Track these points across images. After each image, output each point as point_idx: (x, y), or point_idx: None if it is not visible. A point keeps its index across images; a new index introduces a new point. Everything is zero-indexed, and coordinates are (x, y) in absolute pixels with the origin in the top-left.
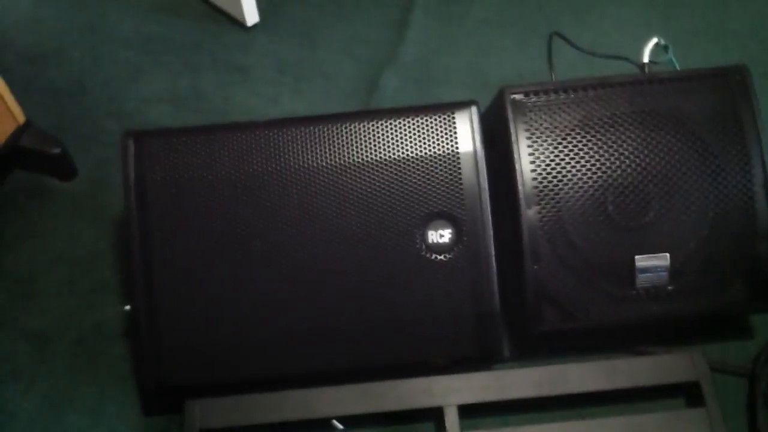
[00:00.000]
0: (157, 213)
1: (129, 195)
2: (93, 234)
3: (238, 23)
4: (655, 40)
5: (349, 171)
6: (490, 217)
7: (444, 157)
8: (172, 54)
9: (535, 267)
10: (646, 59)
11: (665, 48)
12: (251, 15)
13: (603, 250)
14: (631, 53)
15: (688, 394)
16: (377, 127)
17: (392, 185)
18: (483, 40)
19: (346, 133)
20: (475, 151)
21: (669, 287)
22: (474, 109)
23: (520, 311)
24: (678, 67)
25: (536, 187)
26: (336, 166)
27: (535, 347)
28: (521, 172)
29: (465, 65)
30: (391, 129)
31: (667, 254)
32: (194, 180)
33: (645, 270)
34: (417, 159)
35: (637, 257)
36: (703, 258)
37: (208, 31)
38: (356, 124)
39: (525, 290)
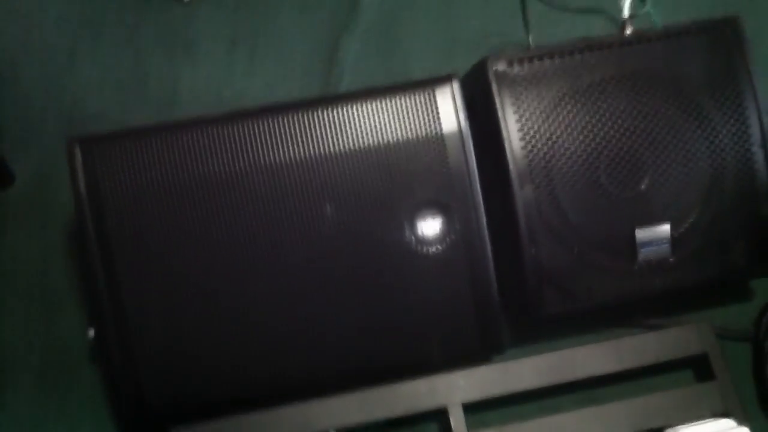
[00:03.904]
0: (116, 225)
1: (82, 208)
2: (40, 245)
3: None
4: None
5: (324, 163)
6: (481, 202)
7: (427, 140)
8: (108, 37)
9: (533, 250)
10: (626, 13)
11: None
12: None
13: (600, 225)
14: (606, 4)
15: (697, 365)
16: (351, 113)
17: (374, 175)
18: None
19: (317, 121)
20: (460, 131)
21: (671, 259)
22: (455, 84)
23: (519, 296)
24: (656, 20)
25: (528, 165)
26: (309, 159)
27: (536, 331)
28: (511, 150)
29: (427, 26)
30: (366, 113)
31: (668, 225)
32: (154, 186)
33: (646, 243)
34: (397, 144)
35: (637, 230)
36: (703, 225)
37: (146, 8)
38: (327, 110)
39: (524, 275)
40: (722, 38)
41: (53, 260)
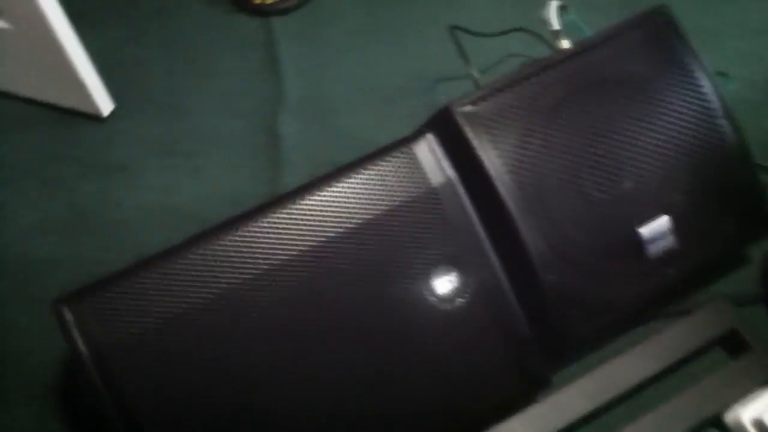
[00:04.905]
0: (127, 377)
1: (88, 370)
2: (31, 418)
3: (93, 117)
4: (555, 3)
5: (325, 252)
6: (488, 243)
7: (419, 199)
8: (31, 176)
9: (550, 277)
10: (556, 26)
11: (562, 8)
12: (104, 103)
13: (601, 234)
14: (525, 21)
15: (725, 342)
16: (337, 194)
17: (377, 249)
18: (363, 50)
19: (306, 211)
20: (449, 181)
21: (676, 247)
22: (430, 137)
23: (544, 326)
24: (582, 26)
25: (523, 196)
26: (309, 252)
27: (563, 353)
28: (503, 185)
29: (356, 83)
30: (353, 190)
31: (665, 216)
32: (159, 326)
33: (652, 239)
34: (392, 212)
35: (640, 230)
36: (695, 206)
37: (63, 137)
38: (312, 198)
39: (547, 304)
40: (658, 27)
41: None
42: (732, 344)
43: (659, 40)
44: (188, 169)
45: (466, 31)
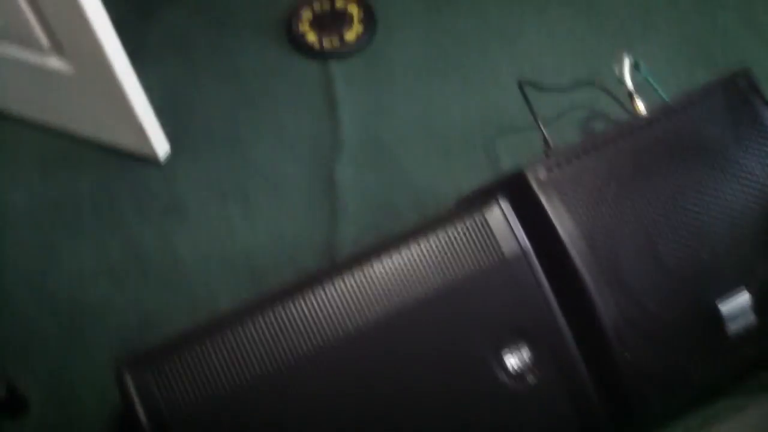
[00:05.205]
0: None
1: None
2: None
3: (150, 160)
4: (627, 60)
5: (391, 324)
6: (561, 316)
7: (491, 269)
8: (87, 216)
9: (627, 355)
10: (630, 85)
11: (636, 65)
12: (161, 145)
13: (679, 307)
14: (593, 73)
15: None
16: (405, 262)
17: (446, 320)
18: (423, 97)
19: (372, 278)
20: (522, 250)
21: (756, 323)
22: (503, 203)
23: (613, 397)
24: (655, 85)
25: (597, 265)
26: (374, 324)
27: (633, 426)
28: (578, 254)
29: (415, 130)
30: (422, 258)
31: (744, 290)
32: (221, 398)
33: (732, 316)
34: (462, 283)
35: (720, 305)
36: None
37: (120, 178)
38: (379, 265)
39: (623, 382)
40: (740, 92)
41: None
42: None
43: (741, 105)
44: (245, 215)
45: (535, 85)
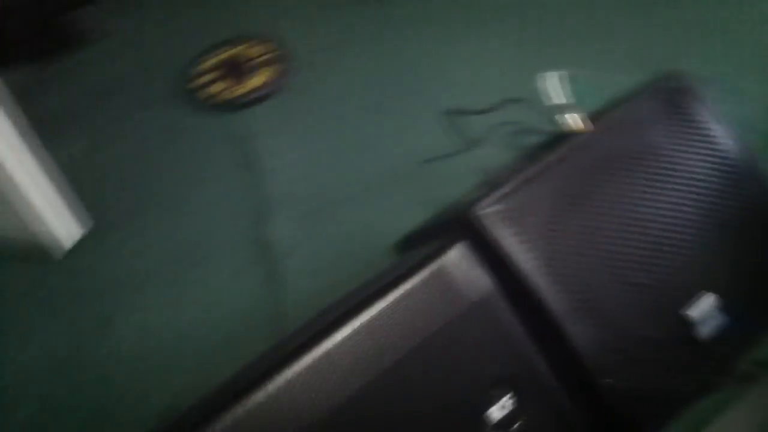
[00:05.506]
0: None
1: None
2: None
3: (55, 249)
4: (555, 74)
5: (364, 397)
6: (540, 355)
7: (460, 318)
8: (26, 309)
9: (610, 381)
10: (558, 98)
11: (568, 78)
12: (70, 231)
13: (650, 322)
14: (518, 90)
15: None
16: (370, 327)
17: (422, 384)
18: (347, 136)
19: (338, 353)
20: (487, 292)
21: (725, 321)
22: (460, 246)
23: (601, 422)
24: (594, 95)
25: (563, 293)
26: (347, 402)
27: None
28: (542, 285)
29: (345, 171)
30: (389, 320)
31: (709, 293)
32: None
33: (701, 320)
34: (433, 339)
35: (687, 312)
36: (735, 273)
37: (41, 265)
38: (340, 336)
39: (609, 407)
40: (673, 94)
41: None
42: None
43: (678, 107)
44: (179, 290)
45: (463, 112)
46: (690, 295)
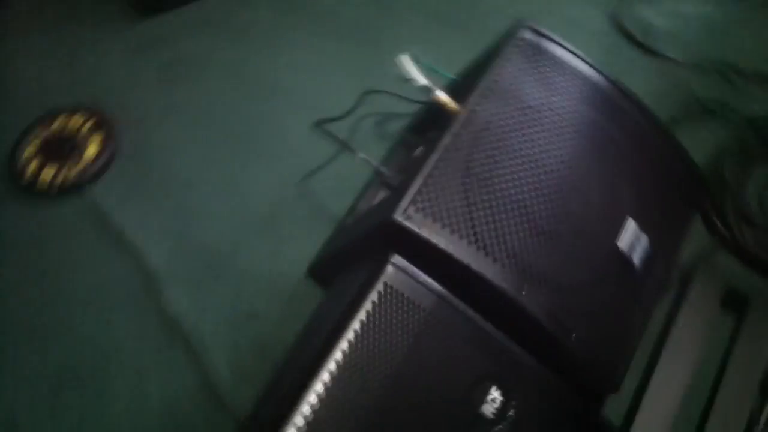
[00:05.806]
0: None
1: None
2: None
3: None
4: (407, 57)
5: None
6: (508, 339)
7: (421, 330)
8: None
9: (573, 335)
10: (422, 80)
11: (416, 60)
12: None
13: (587, 266)
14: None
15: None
16: (341, 369)
17: (413, 400)
18: (211, 181)
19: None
20: (437, 295)
21: (651, 245)
22: (397, 259)
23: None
24: (440, 70)
25: (502, 267)
26: None
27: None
28: (483, 267)
29: (224, 217)
30: (355, 356)
31: (629, 218)
32: None
33: (631, 247)
34: (406, 360)
35: (617, 242)
36: (644, 198)
37: None
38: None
39: (577, 361)
40: (528, 42)
41: None
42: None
43: (539, 56)
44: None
45: (327, 120)
46: (616, 227)
